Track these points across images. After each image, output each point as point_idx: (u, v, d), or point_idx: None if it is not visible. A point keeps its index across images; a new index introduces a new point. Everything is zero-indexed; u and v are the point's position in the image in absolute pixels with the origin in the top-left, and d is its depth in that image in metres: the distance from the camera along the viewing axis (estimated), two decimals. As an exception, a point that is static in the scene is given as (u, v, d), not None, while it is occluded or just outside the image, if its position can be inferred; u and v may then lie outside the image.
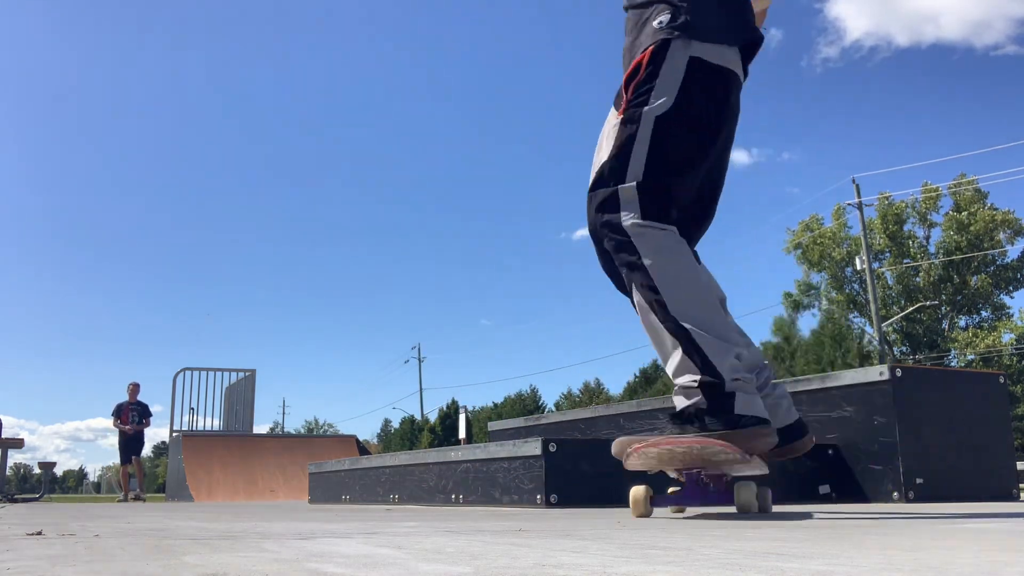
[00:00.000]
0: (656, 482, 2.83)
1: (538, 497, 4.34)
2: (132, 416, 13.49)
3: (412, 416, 65.27)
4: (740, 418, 2.38)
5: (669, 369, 2.51)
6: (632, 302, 2.61)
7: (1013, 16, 61.66)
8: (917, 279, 41.63)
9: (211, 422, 16.62)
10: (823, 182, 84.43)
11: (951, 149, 70.83)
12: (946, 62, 64.13)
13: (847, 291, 42.86)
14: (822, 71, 68.40)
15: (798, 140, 75.06)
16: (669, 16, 2.58)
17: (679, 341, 2.44)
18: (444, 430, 55.14)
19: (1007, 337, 38.96)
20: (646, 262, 2.49)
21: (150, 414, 13.79)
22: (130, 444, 13.55)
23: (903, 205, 41.98)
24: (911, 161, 70.36)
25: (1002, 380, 5.55)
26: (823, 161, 71.52)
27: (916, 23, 76.76)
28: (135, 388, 13.74)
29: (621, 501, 4.59)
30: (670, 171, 2.56)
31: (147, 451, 60.85)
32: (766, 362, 2.66)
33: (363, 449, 16.50)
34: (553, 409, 54.57)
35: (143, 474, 13.89)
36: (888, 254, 42.01)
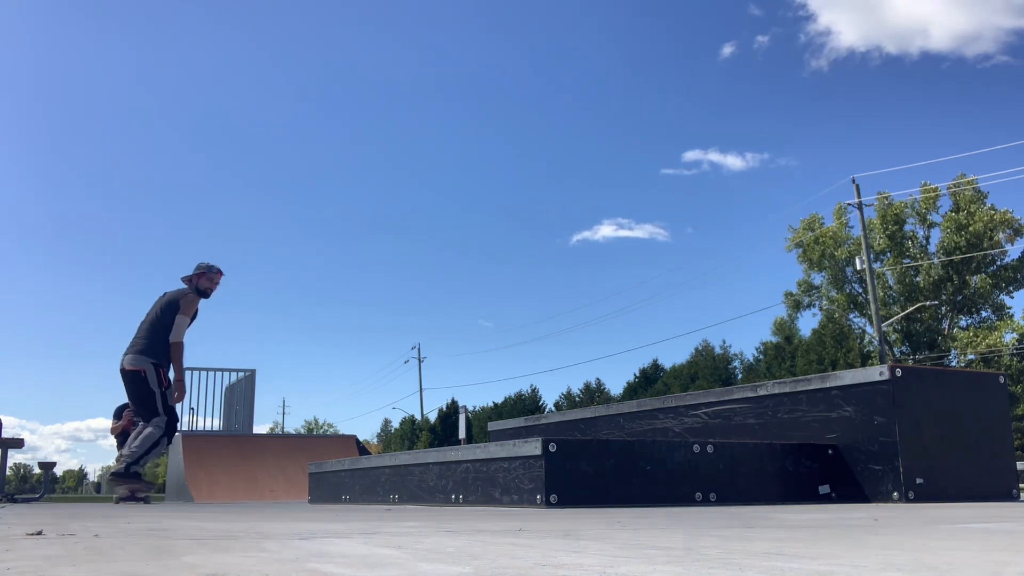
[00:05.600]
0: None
1: (538, 497, 4.34)
2: (134, 420, 13.48)
3: (412, 416, 65.20)
4: None
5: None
6: None
7: (1002, 27, 61.73)
8: (917, 279, 41.59)
9: (211, 422, 16.59)
10: (822, 183, 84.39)
11: (950, 149, 70.79)
12: (936, 70, 64.23)
13: (847, 291, 42.83)
14: (816, 77, 68.43)
15: (797, 142, 75.07)
16: None
17: None
18: (444, 430, 55.06)
19: (1007, 337, 38.92)
20: None
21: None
22: (130, 444, 13.52)
23: (903, 205, 41.95)
24: (910, 161, 70.35)
25: (1002, 380, 5.55)
26: (822, 162, 71.55)
27: (905, 35, 76.99)
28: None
29: (621, 501, 4.59)
30: None
31: (147, 451, 60.51)
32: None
33: (363, 449, 16.47)
34: (553, 409, 54.53)
35: (143, 474, 13.85)
36: (888, 254, 41.97)
